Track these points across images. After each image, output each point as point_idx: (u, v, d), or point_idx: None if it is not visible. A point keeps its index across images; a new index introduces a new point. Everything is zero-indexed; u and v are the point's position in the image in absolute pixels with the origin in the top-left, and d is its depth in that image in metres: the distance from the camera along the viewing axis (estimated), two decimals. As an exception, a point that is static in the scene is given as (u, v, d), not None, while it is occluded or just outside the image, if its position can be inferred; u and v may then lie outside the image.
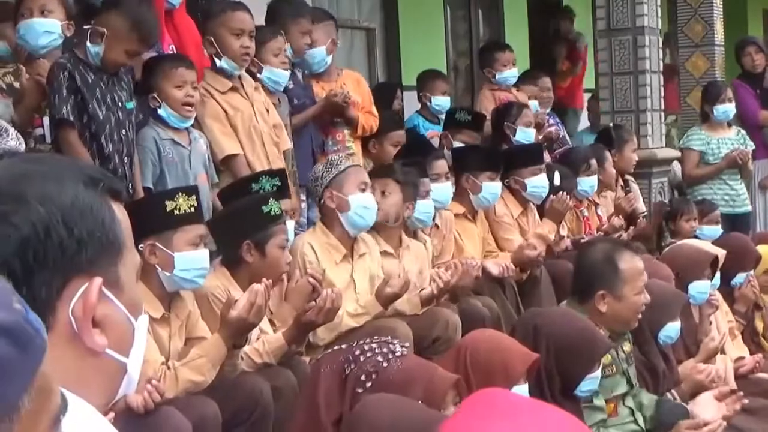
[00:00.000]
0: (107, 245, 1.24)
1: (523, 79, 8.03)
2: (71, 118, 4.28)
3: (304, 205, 5.44)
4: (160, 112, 4.61)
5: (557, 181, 6.48)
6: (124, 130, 4.46)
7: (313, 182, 4.99)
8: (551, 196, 6.35)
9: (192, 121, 4.71)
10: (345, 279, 4.78)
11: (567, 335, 3.95)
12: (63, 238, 1.20)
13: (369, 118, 6.04)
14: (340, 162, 4.95)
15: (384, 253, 5.12)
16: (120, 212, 1.29)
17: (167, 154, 4.61)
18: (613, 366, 4.32)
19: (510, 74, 7.64)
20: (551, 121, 8.20)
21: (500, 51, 7.74)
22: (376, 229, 5.11)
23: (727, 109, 8.37)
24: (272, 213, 4.21)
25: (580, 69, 10.71)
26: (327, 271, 4.71)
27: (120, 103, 4.46)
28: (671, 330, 4.83)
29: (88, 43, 4.37)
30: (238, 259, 4.20)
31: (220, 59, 4.96)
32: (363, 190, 4.86)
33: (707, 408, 4.43)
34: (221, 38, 4.96)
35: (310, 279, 4.37)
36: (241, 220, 4.21)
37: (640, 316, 4.46)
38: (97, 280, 1.21)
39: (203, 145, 4.79)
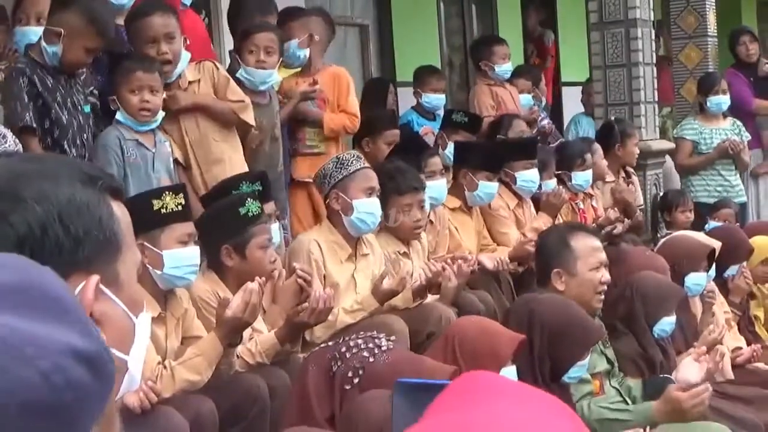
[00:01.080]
0: (105, 243, 1.24)
1: (517, 73, 8.04)
2: (34, 125, 4.18)
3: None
4: (118, 115, 4.50)
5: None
6: (85, 134, 4.38)
7: (320, 179, 4.95)
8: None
9: (156, 124, 4.57)
10: (347, 278, 4.79)
11: (561, 321, 3.98)
12: (60, 236, 1.20)
13: (342, 118, 5.82)
14: (350, 163, 4.86)
15: (404, 254, 5.15)
16: (119, 210, 1.29)
17: (130, 155, 4.47)
18: None
19: (507, 68, 7.64)
20: (542, 115, 8.21)
21: (497, 44, 7.72)
22: (391, 230, 5.16)
23: (720, 100, 8.38)
24: (250, 214, 4.13)
25: (550, 63, 10.73)
26: (331, 269, 4.72)
27: (79, 107, 4.38)
28: (666, 324, 4.83)
29: (44, 44, 4.27)
30: (220, 264, 4.16)
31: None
32: (369, 195, 4.82)
33: (689, 371, 4.46)
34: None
35: (299, 280, 4.35)
36: (218, 224, 4.13)
37: (602, 296, 4.52)
38: (94, 278, 1.22)
39: (168, 148, 4.66)
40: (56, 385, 0.80)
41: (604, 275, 4.52)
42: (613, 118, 8.06)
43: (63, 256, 1.20)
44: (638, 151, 7.83)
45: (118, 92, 4.51)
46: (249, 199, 4.17)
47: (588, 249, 4.53)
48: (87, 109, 4.44)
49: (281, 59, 5.36)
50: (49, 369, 0.80)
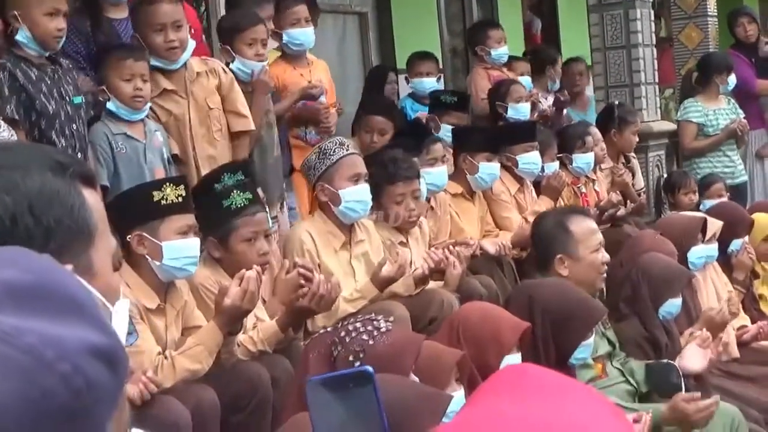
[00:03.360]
0: (77, 232, 1.23)
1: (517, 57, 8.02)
2: (16, 117, 4.17)
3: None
4: (109, 105, 4.50)
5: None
6: (74, 125, 4.35)
7: (305, 171, 4.93)
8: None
9: (145, 113, 4.57)
10: (344, 266, 4.77)
11: (562, 304, 3.99)
12: (30, 226, 1.19)
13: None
14: (333, 152, 4.79)
15: (401, 244, 5.11)
16: (92, 197, 1.27)
17: (120, 149, 4.46)
18: None
19: (503, 52, 7.60)
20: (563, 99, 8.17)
21: (492, 28, 7.68)
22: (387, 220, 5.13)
23: (734, 79, 8.39)
24: (233, 207, 4.10)
25: None
26: (326, 259, 4.69)
27: (68, 98, 4.36)
28: (671, 306, 4.82)
29: (17, 37, 4.24)
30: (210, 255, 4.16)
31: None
32: (356, 182, 4.76)
33: (693, 358, 4.48)
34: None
35: (300, 271, 4.33)
36: (202, 216, 4.06)
37: (604, 276, 4.57)
38: (66, 267, 1.21)
39: (160, 138, 4.63)
40: (77, 387, 0.78)
41: (604, 255, 4.58)
42: (616, 102, 8.03)
43: (34, 247, 1.17)
44: (637, 140, 7.77)
45: (108, 82, 4.50)
46: (236, 190, 4.13)
47: (587, 231, 4.58)
48: (77, 100, 4.42)
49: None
50: (69, 372, 0.77)
